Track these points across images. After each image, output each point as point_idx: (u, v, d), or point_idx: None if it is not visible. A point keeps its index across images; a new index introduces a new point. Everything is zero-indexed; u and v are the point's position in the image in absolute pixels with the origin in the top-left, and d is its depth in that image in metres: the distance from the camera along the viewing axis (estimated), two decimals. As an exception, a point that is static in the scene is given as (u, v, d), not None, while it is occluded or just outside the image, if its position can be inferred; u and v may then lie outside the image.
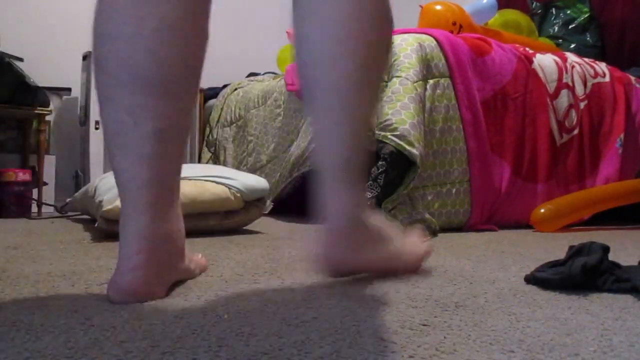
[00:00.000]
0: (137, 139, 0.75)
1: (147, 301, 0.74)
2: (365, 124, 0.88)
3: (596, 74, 2.27)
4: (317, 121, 0.85)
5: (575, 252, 0.90)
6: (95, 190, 1.64)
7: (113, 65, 0.75)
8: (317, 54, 0.80)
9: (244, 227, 1.66)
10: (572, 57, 2.28)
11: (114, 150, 0.77)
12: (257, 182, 1.64)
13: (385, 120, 1.63)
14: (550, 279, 0.88)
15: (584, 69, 2.24)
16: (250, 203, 1.63)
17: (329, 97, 0.81)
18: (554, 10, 3.28)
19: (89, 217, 1.92)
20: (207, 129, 2.82)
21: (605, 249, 0.90)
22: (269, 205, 1.66)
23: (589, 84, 2.22)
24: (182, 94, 0.79)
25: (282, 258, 1.14)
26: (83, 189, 1.88)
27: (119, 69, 0.74)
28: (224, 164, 2.58)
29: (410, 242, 0.99)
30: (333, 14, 0.79)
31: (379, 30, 0.83)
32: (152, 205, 0.76)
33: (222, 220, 1.58)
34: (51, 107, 2.45)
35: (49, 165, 2.48)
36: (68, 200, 2.05)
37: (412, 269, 0.97)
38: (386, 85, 1.73)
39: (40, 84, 2.38)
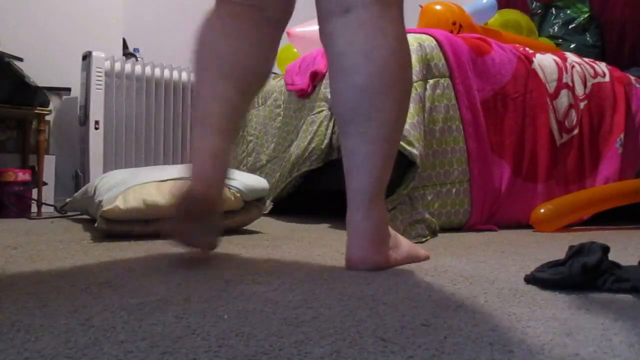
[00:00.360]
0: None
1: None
2: (395, 148, 1.03)
3: (596, 74, 2.27)
4: (346, 145, 1.01)
5: (575, 252, 0.90)
6: (95, 190, 1.64)
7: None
8: (355, 89, 0.97)
9: (244, 227, 1.66)
10: (572, 57, 2.29)
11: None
12: (256, 182, 1.64)
13: (385, 120, 1.63)
14: (550, 279, 0.88)
15: (584, 69, 2.24)
16: (250, 203, 1.63)
17: (367, 129, 0.97)
18: (554, 10, 3.28)
19: (88, 217, 1.92)
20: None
21: (605, 249, 0.90)
22: (268, 205, 1.66)
23: (589, 84, 2.22)
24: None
25: (282, 258, 1.14)
26: (83, 189, 1.88)
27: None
28: (224, 164, 2.57)
29: (413, 247, 1.15)
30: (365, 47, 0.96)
31: (408, 70, 1.02)
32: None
33: (221, 220, 1.57)
34: (51, 107, 2.45)
35: (49, 165, 2.48)
36: (68, 200, 2.05)
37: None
38: (386, 85, 1.73)
39: (40, 84, 2.38)
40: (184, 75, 2.79)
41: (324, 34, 1.01)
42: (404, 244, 1.10)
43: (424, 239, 1.50)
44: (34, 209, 2.28)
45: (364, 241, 1.00)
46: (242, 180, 1.61)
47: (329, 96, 1.96)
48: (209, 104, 1.05)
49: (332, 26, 0.99)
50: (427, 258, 1.15)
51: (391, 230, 1.07)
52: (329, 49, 1.01)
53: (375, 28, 0.96)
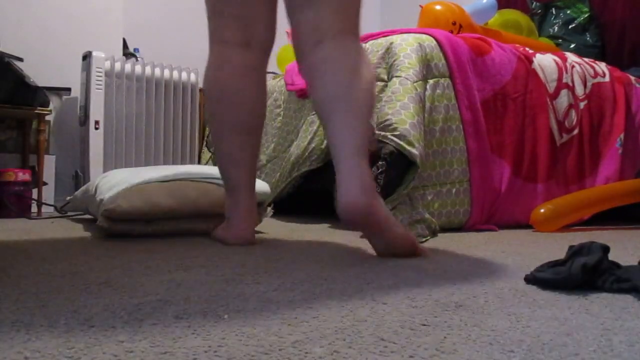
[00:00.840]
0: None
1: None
2: (367, 126, 1.25)
3: (596, 74, 2.28)
4: (334, 125, 1.21)
5: (575, 252, 0.90)
6: (96, 189, 1.64)
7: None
8: (336, 86, 1.23)
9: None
10: (572, 57, 2.29)
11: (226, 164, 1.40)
12: (258, 185, 1.63)
13: (385, 120, 1.63)
14: (550, 279, 0.88)
15: (584, 69, 2.24)
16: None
17: (346, 113, 1.20)
18: (554, 10, 3.28)
19: (89, 216, 1.92)
20: (207, 129, 2.82)
21: (605, 249, 0.90)
22: (269, 212, 1.66)
23: (589, 84, 2.22)
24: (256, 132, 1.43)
25: (282, 258, 1.14)
26: (83, 188, 1.88)
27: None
28: (224, 164, 2.57)
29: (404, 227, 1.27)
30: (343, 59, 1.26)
31: (370, 72, 1.30)
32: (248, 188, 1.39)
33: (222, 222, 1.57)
34: (51, 107, 2.45)
35: (49, 165, 2.48)
36: (68, 198, 2.05)
37: (411, 246, 1.18)
38: (386, 85, 1.73)
39: (40, 84, 2.38)
40: (184, 75, 2.79)
41: (306, 53, 1.29)
42: (399, 225, 1.22)
43: (424, 239, 1.50)
44: (34, 209, 2.28)
45: (358, 183, 1.12)
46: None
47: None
48: (232, 166, 1.39)
49: (324, 46, 1.27)
50: (421, 251, 1.21)
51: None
52: (311, 58, 1.28)
53: (342, 49, 1.27)
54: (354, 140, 1.18)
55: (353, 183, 1.12)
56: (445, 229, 1.72)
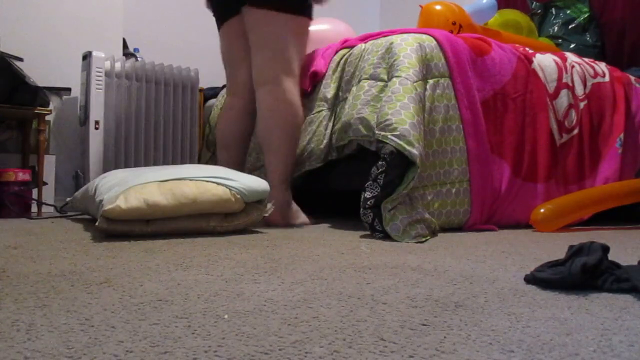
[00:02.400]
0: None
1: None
2: (286, 159, 1.85)
3: (596, 74, 2.27)
4: (265, 159, 1.88)
5: (575, 252, 0.90)
6: (95, 190, 1.64)
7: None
8: (262, 132, 1.89)
9: (244, 227, 1.66)
10: (572, 57, 2.28)
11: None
12: (257, 183, 1.63)
13: (385, 120, 1.63)
14: (550, 279, 0.88)
15: (584, 69, 2.24)
16: (251, 205, 1.62)
17: (268, 153, 1.86)
18: (554, 10, 3.28)
19: (89, 216, 1.92)
20: (207, 129, 2.82)
21: (605, 249, 0.90)
22: (269, 208, 1.66)
23: (589, 84, 2.22)
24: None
25: (282, 258, 1.14)
26: (83, 188, 1.88)
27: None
28: (224, 164, 2.57)
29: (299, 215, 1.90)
30: (264, 108, 1.86)
31: (286, 116, 1.84)
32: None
33: (222, 222, 1.57)
34: (51, 107, 2.45)
35: (49, 165, 2.48)
36: (68, 199, 2.05)
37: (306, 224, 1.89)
38: (386, 85, 1.73)
39: (40, 84, 2.38)
40: (184, 75, 2.79)
41: (255, 92, 1.89)
42: (301, 216, 1.89)
43: (423, 239, 1.50)
44: (34, 209, 2.28)
45: (278, 206, 1.77)
46: (243, 181, 1.60)
47: (329, 96, 1.96)
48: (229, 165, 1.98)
49: (257, 92, 1.87)
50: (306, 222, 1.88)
51: (294, 205, 1.88)
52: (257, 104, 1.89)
53: (270, 96, 1.82)
54: (276, 174, 1.82)
55: (276, 206, 1.73)
56: (445, 229, 1.72)
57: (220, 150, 2.06)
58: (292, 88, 1.84)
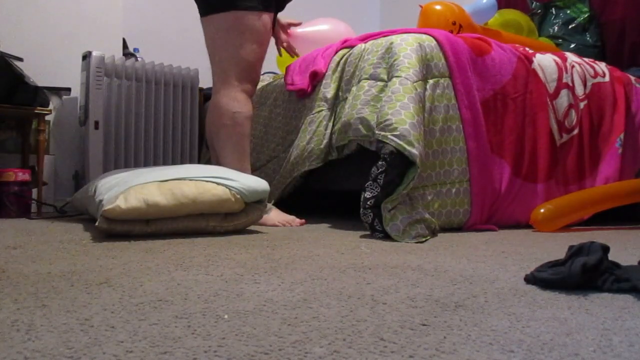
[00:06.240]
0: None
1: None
2: (227, 158, 1.92)
3: (596, 74, 2.27)
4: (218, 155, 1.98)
5: (575, 252, 0.90)
6: (95, 190, 1.64)
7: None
8: (211, 138, 2.02)
9: (244, 227, 1.66)
10: (572, 57, 2.28)
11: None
12: (257, 183, 1.63)
13: (385, 120, 1.63)
14: (550, 279, 0.88)
15: (584, 69, 2.24)
16: (251, 205, 1.62)
17: (217, 158, 1.97)
18: (554, 10, 3.28)
19: (89, 216, 1.92)
20: (207, 129, 2.82)
21: (605, 249, 0.90)
22: (269, 208, 1.66)
23: (589, 84, 2.22)
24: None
25: (282, 258, 1.14)
26: (83, 188, 1.88)
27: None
28: (224, 164, 2.57)
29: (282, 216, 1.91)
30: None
31: (224, 121, 1.93)
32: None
33: (222, 222, 1.57)
34: (51, 107, 2.45)
35: (49, 165, 2.48)
36: (68, 199, 2.05)
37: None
38: (386, 85, 1.73)
39: (40, 84, 2.38)
40: (184, 75, 2.79)
41: None
42: (279, 216, 1.87)
43: (423, 239, 1.50)
44: (34, 209, 2.28)
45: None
46: (243, 181, 1.60)
47: (328, 96, 1.96)
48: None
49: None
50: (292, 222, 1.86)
51: (270, 207, 1.88)
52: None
53: (218, 104, 1.93)
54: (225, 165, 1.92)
55: None
56: (445, 229, 1.72)
57: (211, 149, 2.07)
58: (226, 94, 1.92)
